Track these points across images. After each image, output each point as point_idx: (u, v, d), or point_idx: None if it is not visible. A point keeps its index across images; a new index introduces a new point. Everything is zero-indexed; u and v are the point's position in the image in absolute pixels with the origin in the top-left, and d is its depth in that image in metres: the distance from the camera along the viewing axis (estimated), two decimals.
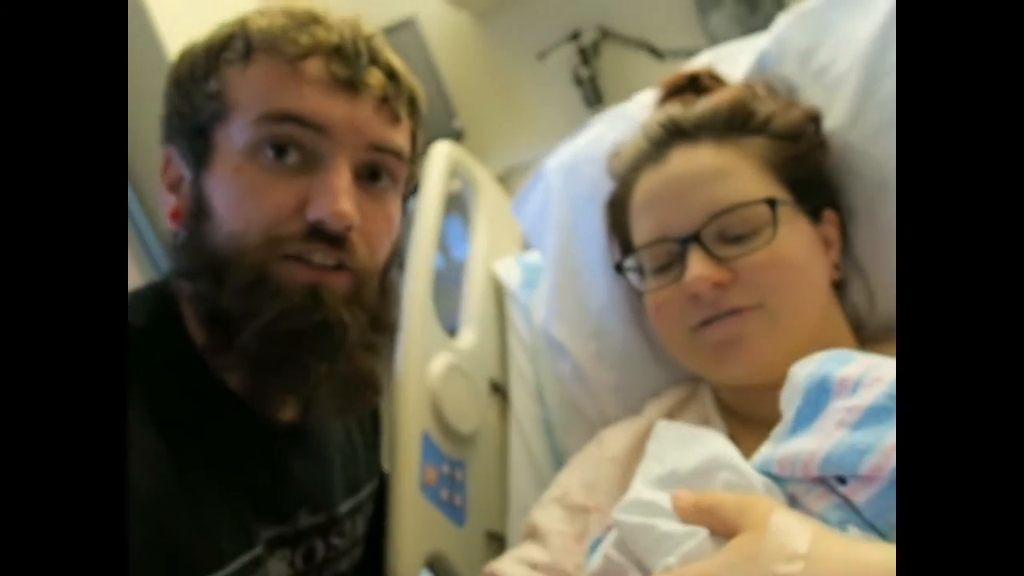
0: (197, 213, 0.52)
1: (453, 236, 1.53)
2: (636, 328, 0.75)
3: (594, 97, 1.35)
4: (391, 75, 0.54)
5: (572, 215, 0.80)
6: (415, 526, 0.73)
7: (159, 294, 0.56)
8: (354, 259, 0.52)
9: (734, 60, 0.76)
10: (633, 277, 0.66)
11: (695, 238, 0.57)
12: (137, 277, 1.35)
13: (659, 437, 0.53)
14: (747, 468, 0.44)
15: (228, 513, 0.53)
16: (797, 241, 0.58)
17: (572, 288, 0.80)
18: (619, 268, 0.66)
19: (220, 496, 0.52)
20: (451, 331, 0.92)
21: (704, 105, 0.62)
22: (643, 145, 0.64)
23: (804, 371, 0.44)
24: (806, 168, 0.61)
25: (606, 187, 0.75)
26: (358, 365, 0.54)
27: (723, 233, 0.57)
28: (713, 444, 0.48)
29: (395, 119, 0.55)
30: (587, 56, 1.35)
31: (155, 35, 1.22)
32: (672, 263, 0.60)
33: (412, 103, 0.57)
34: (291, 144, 0.50)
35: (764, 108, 0.61)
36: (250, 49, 0.51)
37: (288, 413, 0.60)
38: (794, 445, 0.42)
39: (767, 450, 0.45)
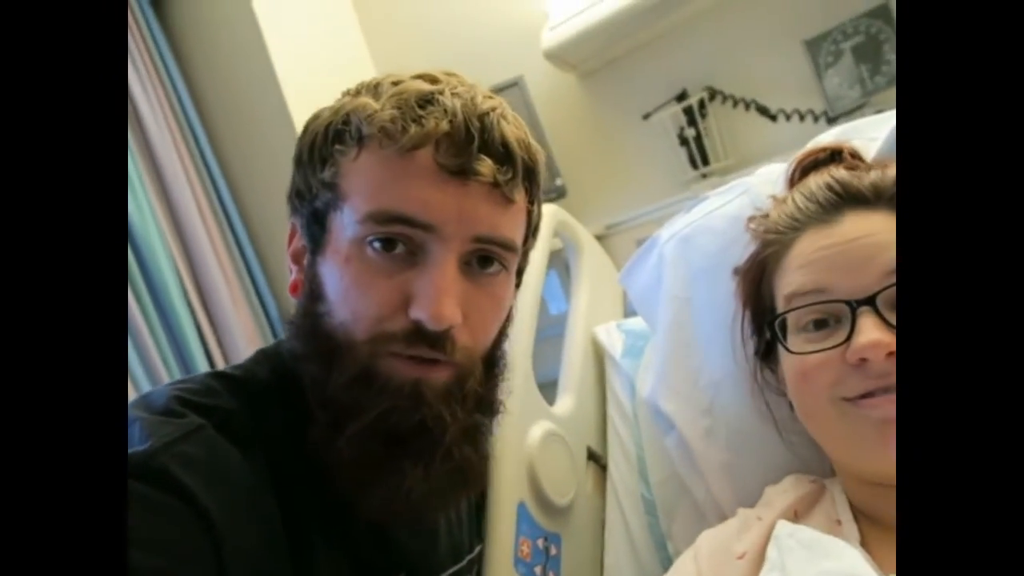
0: (311, 292, 0.54)
1: (550, 292, 1.52)
2: (752, 406, 0.70)
3: (700, 158, 1.32)
4: (505, 156, 0.53)
5: (687, 287, 0.77)
6: None
7: (284, 354, 0.59)
8: (454, 355, 0.52)
9: (863, 135, 0.71)
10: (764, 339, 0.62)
11: (869, 302, 0.52)
12: (253, 329, 1.42)
13: (781, 543, 0.49)
14: None
15: (330, 574, 0.53)
16: None
17: (684, 362, 0.76)
18: (770, 323, 0.60)
19: (324, 556, 0.53)
20: (544, 385, 0.90)
21: (881, 174, 0.58)
22: (807, 206, 0.60)
23: None
24: None
25: (725, 259, 0.72)
26: (457, 461, 0.53)
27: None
28: (845, 559, 0.43)
29: (506, 203, 0.54)
30: (693, 116, 1.33)
31: (281, 98, 1.31)
32: (829, 325, 0.55)
33: (529, 177, 0.56)
34: (398, 240, 0.51)
35: None
36: (362, 137, 0.52)
37: None
38: None
39: None
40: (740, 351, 0.69)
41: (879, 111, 0.83)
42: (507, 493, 0.75)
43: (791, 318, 0.57)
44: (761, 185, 0.74)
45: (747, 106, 1.30)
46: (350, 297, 0.51)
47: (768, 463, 0.70)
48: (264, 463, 0.51)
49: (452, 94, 0.52)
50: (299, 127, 1.38)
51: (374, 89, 0.54)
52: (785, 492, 0.64)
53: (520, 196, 0.55)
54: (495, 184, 0.52)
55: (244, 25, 1.30)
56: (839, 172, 0.60)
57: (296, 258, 0.58)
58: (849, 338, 0.52)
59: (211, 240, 1.46)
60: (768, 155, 0.89)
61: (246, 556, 0.46)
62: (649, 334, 0.87)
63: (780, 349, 0.60)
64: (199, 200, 1.45)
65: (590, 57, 1.41)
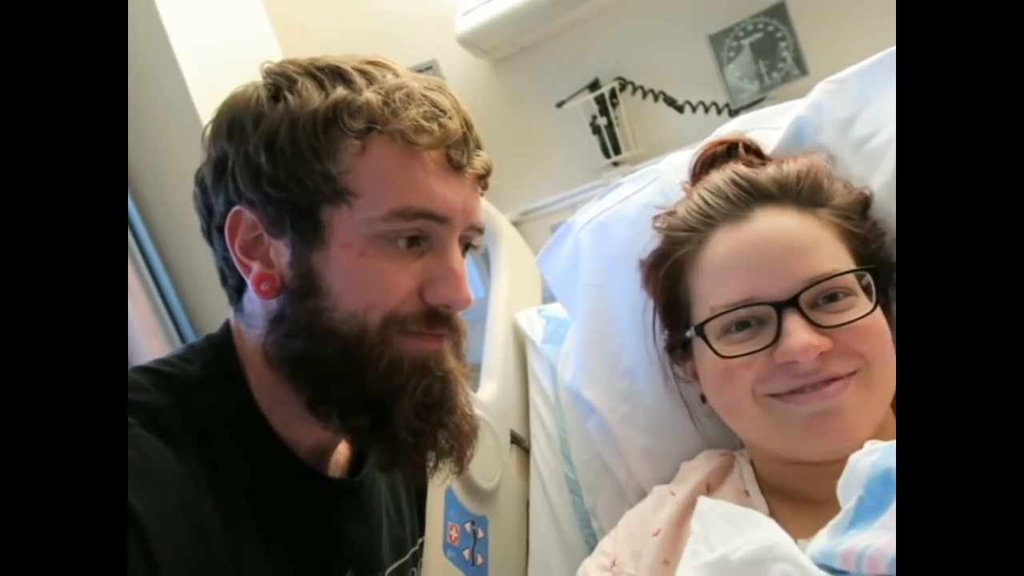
0: (305, 289, 0.52)
1: (468, 278, 1.52)
2: (667, 391, 0.74)
3: (612, 146, 1.36)
4: (479, 147, 0.57)
5: (603, 274, 0.79)
6: None
7: (217, 347, 0.56)
8: (456, 327, 0.57)
9: (766, 124, 0.75)
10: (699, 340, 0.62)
11: (793, 303, 0.55)
12: (153, 322, 1.34)
13: (703, 517, 0.52)
14: (807, 562, 0.43)
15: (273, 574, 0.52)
16: (882, 314, 0.57)
17: (602, 348, 0.79)
18: (699, 330, 0.60)
19: (265, 555, 0.52)
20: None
21: (784, 169, 0.62)
22: (716, 202, 0.62)
23: (867, 460, 0.43)
24: (868, 247, 0.61)
25: (638, 246, 0.74)
26: (469, 413, 0.58)
27: (819, 301, 0.56)
28: (766, 531, 0.47)
29: (483, 191, 0.58)
30: (605, 105, 1.36)
31: (182, 82, 1.23)
32: (751, 326, 0.57)
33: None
34: (420, 235, 0.53)
35: (831, 183, 0.62)
36: (368, 131, 0.51)
37: (339, 470, 0.61)
38: (860, 539, 0.41)
39: (827, 541, 0.44)
40: (652, 341, 0.72)
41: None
42: (435, 479, 0.76)
43: (714, 323, 0.59)
44: (671, 173, 0.77)
45: (656, 97, 1.35)
46: (365, 288, 0.52)
47: (684, 445, 0.74)
48: (196, 461, 0.49)
49: (427, 87, 0.54)
50: (201, 112, 1.29)
51: (339, 76, 0.53)
52: (698, 468, 0.69)
53: None
54: (482, 175, 0.56)
55: (141, 7, 1.21)
56: (740, 168, 0.63)
57: (247, 249, 0.54)
58: (776, 339, 0.55)
59: None
60: (675, 145, 0.93)
61: (178, 556, 0.45)
62: (570, 321, 0.89)
63: (696, 346, 0.63)
64: None
65: (503, 44, 1.41)
